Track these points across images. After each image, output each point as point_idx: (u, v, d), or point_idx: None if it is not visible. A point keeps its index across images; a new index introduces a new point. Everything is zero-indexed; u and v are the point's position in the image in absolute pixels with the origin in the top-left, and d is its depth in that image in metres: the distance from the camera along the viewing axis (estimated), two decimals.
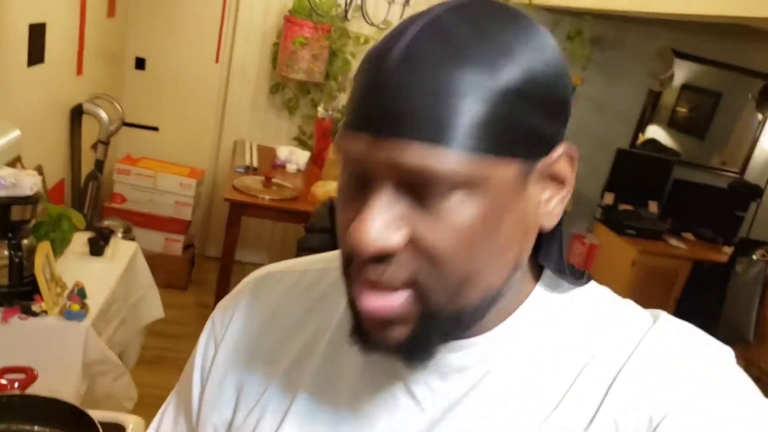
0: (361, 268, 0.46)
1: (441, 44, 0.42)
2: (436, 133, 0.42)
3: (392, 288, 0.46)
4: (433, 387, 0.53)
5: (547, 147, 0.47)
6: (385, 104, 0.42)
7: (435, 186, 0.43)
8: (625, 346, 0.51)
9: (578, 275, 0.56)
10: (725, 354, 0.51)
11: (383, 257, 0.45)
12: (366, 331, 0.49)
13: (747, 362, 1.71)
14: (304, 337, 0.61)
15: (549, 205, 0.50)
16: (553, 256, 0.55)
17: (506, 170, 0.45)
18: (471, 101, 0.42)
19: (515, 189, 0.46)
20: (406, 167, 0.42)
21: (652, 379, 0.49)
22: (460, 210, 0.44)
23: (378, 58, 0.44)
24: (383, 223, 0.44)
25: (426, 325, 0.47)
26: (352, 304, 0.49)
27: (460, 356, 0.53)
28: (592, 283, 0.57)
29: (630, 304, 0.56)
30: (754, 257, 1.72)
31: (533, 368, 0.52)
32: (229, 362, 0.63)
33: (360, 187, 0.46)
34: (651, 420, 0.47)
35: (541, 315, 0.54)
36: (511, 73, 0.43)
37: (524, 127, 0.44)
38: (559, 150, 0.48)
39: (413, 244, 0.44)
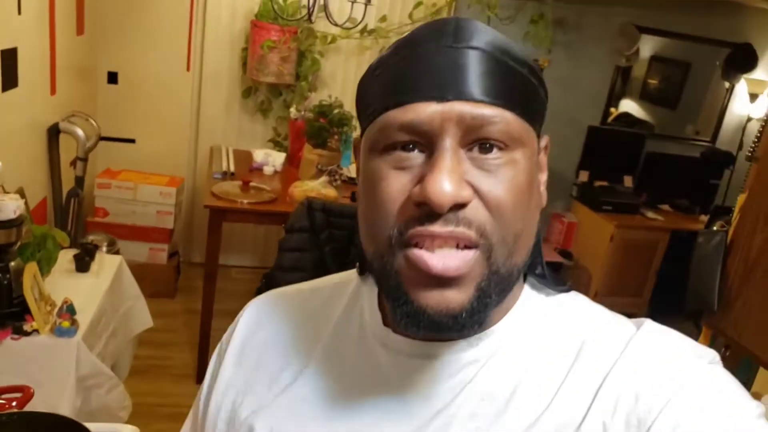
0: (429, 227, 0.48)
1: (483, 28, 0.52)
2: (496, 96, 0.49)
3: (463, 241, 0.49)
4: (425, 393, 0.56)
5: (540, 130, 0.56)
6: (452, 75, 0.49)
7: (493, 142, 0.49)
8: (611, 351, 0.53)
9: (560, 283, 0.61)
10: (711, 356, 0.53)
11: (458, 208, 0.48)
12: (419, 307, 0.50)
13: (715, 331, 1.78)
14: (298, 351, 0.64)
15: (541, 186, 0.57)
16: (535, 263, 0.60)
17: (534, 141, 0.54)
18: (516, 72, 0.51)
19: (536, 161, 0.55)
20: (475, 123, 0.49)
21: (640, 383, 0.50)
22: (514, 168, 0.50)
23: (429, 41, 0.51)
24: (458, 177, 0.48)
25: (488, 284, 0.50)
26: (400, 282, 0.51)
27: (467, 355, 0.56)
28: (574, 292, 0.62)
29: (612, 313, 0.59)
30: (714, 228, 1.79)
31: (523, 368, 0.55)
32: (230, 380, 0.66)
33: (417, 153, 0.50)
34: (640, 423, 0.48)
35: (532, 315, 0.58)
36: (528, 59, 0.53)
37: (539, 103, 0.54)
38: (544, 140, 0.57)
39: (479, 199, 0.49)
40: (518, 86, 0.51)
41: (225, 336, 0.71)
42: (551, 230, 4.53)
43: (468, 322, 0.50)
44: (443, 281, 0.49)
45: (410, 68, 0.51)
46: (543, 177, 0.57)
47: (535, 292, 0.60)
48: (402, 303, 0.51)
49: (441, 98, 0.48)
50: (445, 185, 0.47)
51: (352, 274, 0.69)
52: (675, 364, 0.51)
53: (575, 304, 0.60)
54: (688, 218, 4.41)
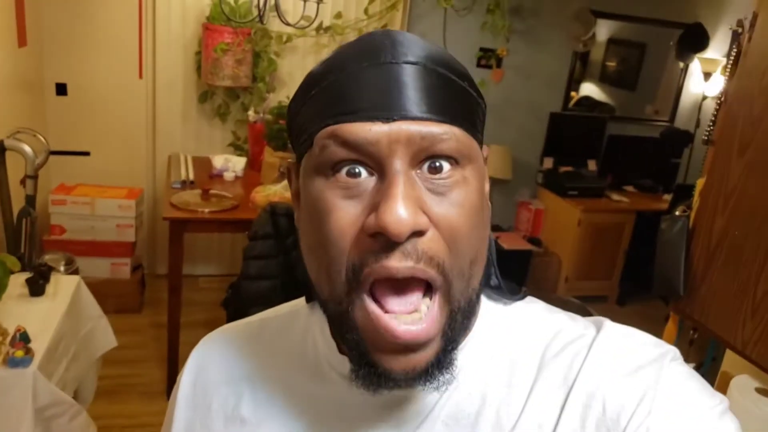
0: (386, 262, 0.45)
1: (419, 41, 0.49)
2: (442, 112, 0.47)
3: (423, 280, 0.46)
4: (389, 422, 0.54)
5: (482, 142, 0.54)
6: (395, 93, 0.47)
7: (444, 159, 0.47)
8: (573, 360, 0.52)
9: (515, 291, 0.60)
10: (672, 354, 0.52)
11: (415, 236, 0.45)
12: (384, 370, 0.47)
13: (682, 315, 1.79)
14: (253, 387, 0.62)
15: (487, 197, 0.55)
16: (489, 275, 0.59)
17: (480, 155, 0.52)
18: (457, 86, 0.50)
19: (484, 174, 0.54)
20: (424, 142, 0.46)
21: (605, 391, 0.49)
22: (465, 188, 0.49)
23: (365, 58, 0.48)
24: (413, 203, 0.45)
25: (451, 326, 0.48)
26: (360, 341, 0.48)
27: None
28: (530, 298, 0.61)
29: (570, 315, 0.58)
30: (677, 212, 1.79)
31: (487, 387, 0.53)
32: (186, 424, 0.64)
33: (366, 176, 0.47)
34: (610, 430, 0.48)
35: (491, 329, 0.57)
36: (466, 71, 0.52)
37: (480, 116, 0.53)
38: (485, 151, 0.55)
39: (434, 227, 0.47)
40: (461, 100, 0.50)
41: (177, 379, 0.68)
42: (519, 218, 4.55)
43: (437, 373, 0.48)
44: (410, 347, 0.46)
45: (349, 87, 0.48)
46: (487, 187, 0.55)
47: (492, 303, 0.59)
48: (364, 364, 0.48)
49: (386, 118, 0.46)
50: (401, 212, 0.44)
51: (300, 302, 0.67)
52: (637, 368, 0.51)
53: (531, 311, 0.59)
54: (653, 198, 4.47)
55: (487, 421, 0.52)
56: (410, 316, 0.46)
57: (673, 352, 0.53)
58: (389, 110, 0.46)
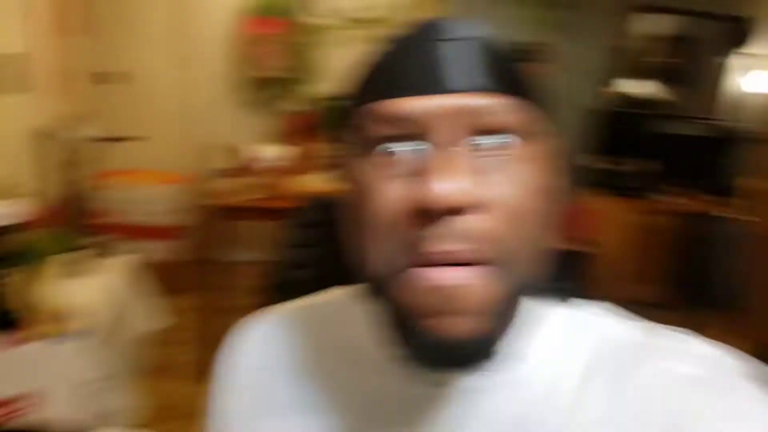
0: (431, 247, 0.43)
1: (474, 23, 0.48)
2: (493, 85, 0.46)
3: (469, 256, 0.44)
4: (430, 421, 0.52)
5: (552, 124, 0.52)
6: (447, 66, 0.46)
7: (497, 133, 0.46)
8: (656, 378, 0.48)
9: (578, 292, 0.57)
10: (728, 356, 0.49)
11: (463, 213, 0.43)
12: (430, 336, 0.45)
13: (737, 334, 1.70)
14: (302, 378, 0.60)
15: (561, 185, 0.53)
16: (554, 274, 0.56)
17: (546, 133, 0.50)
18: (512, 61, 0.48)
19: (552, 155, 0.50)
20: (473, 114, 0.45)
21: (662, 394, 0.47)
22: (525, 164, 0.47)
23: (418, 36, 0.47)
24: (461, 176, 0.43)
25: (496, 307, 0.45)
26: (405, 313, 0.46)
27: (476, 381, 0.52)
28: (603, 304, 0.57)
29: (652, 326, 0.54)
30: (730, 216, 1.73)
31: (538, 398, 0.51)
32: (234, 413, 0.63)
33: (413, 153, 0.46)
34: None
35: (549, 336, 0.54)
36: (519, 54, 0.50)
37: (541, 95, 0.50)
38: (560, 142, 0.53)
39: (487, 205, 0.44)
40: (514, 75, 0.48)
41: (218, 366, 0.67)
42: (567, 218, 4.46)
43: (482, 350, 0.46)
44: (449, 304, 0.44)
45: (396, 65, 0.47)
46: (559, 179, 0.52)
47: (552, 307, 0.55)
48: (411, 334, 0.46)
49: (437, 91, 0.45)
50: (446, 185, 0.42)
51: (344, 291, 0.64)
52: (693, 372, 0.48)
53: (607, 318, 0.54)
54: (700, 199, 4.31)
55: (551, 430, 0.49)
56: (453, 268, 0.44)
57: (726, 351, 0.50)
58: (438, 84, 0.45)
